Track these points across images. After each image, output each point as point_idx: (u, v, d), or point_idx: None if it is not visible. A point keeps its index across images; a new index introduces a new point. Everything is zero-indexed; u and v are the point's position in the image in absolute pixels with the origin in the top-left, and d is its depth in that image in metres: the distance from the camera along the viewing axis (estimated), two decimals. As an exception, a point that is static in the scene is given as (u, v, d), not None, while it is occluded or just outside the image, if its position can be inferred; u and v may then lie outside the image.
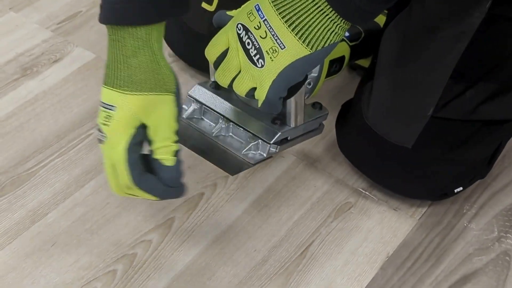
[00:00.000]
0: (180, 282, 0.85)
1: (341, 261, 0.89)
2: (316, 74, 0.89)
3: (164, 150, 0.77)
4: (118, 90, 0.74)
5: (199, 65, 1.10)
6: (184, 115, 0.90)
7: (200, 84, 0.91)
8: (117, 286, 0.84)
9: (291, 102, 0.85)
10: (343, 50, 0.94)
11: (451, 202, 0.96)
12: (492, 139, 0.91)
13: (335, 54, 0.93)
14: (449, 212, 0.95)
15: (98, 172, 0.96)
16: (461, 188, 0.93)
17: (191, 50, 1.10)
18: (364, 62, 1.05)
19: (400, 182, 0.94)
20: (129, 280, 0.84)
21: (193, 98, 0.90)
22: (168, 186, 0.78)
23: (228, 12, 0.82)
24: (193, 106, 0.90)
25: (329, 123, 1.02)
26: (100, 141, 0.76)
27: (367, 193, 0.97)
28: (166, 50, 1.15)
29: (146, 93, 0.74)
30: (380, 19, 0.99)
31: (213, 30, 0.82)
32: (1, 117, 1.03)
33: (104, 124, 0.75)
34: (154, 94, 0.75)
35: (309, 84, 0.89)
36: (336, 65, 0.94)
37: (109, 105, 0.74)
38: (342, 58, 0.95)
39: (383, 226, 0.93)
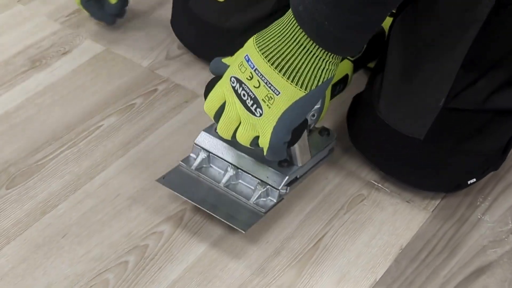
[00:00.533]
0: (192, 273, 0.84)
1: (354, 253, 0.88)
2: (319, 106, 0.87)
3: None
4: None
5: (208, 56, 1.09)
6: (193, 166, 0.90)
7: (205, 130, 0.90)
8: (129, 277, 0.83)
9: (295, 145, 0.85)
10: (345, 68, 0.92)
11: (464, 194, 0.95)
12: (505, 129, 0.90)
13: (337, 76, 0.91)
14: (462, 205, 0.94)
15: (108, 164, 0.95)
16: (474, 180, 0.92)
17: (201, 42, 1.09)
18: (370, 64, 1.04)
19: (413, 174, 0.93)
20: (140, 272, 0.84)
21: (200, 146, 0.90)
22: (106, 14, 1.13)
23: (223, 60, 0.84)
24: (201, 155, 0.89)
25: (341, 115, 1.02)
26: None
27: (379, 185, 0.96)
28: (176, 42, 1.15)
29: None
30: (387, 20, 0.98)
31: (213, 78, 0.84)
32: (11, 108, 1.02)
33: None
34: None
35: (313, 115, 0.88)
36: (340, 86, 0.92)
37: None
38: (345, 78, 0.93)
39: (396, 218, 0.92)
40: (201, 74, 1.10)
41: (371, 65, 1.00)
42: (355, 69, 0.95)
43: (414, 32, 0.87)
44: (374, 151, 0.95)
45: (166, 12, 1.16)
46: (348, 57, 0.93)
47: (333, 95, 0.91)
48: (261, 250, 0.87)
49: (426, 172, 0.92)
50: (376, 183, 0.96)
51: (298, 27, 0.76)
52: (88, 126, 1.01)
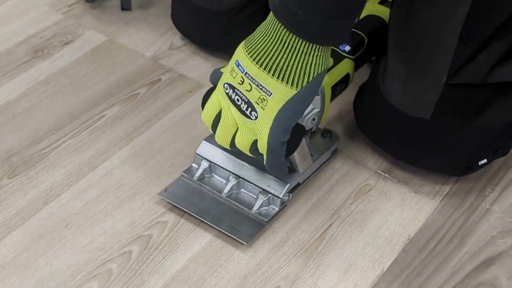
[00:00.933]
0: (197, 263, 0.83)
1: (361, 243, 0.86)
2: (318, 109, 0.86)
3: None
4: None
5: (210, 45, 1.09)
6: (195, 177, 0.89)
7: (206, 139, 0.89)
8: (133, 267, 0.82)
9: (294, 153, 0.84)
10: (345, 68, 0.91)
11: (473, 183, 0.94)
12: (510, 103, 0.88)
13: (336, 77, 0.89)
14: (471, 194, 0.93)
15: (111, 154, 0.94)
16: (485, 161, 0.90)
17: (200, 30, 1.08)
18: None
19: (422, 157, 0.91)
20: (144, 261, 0.82)
21: (201, 156, 0.89)
22: None
23: (222, 69, 0.84)
24: (203, 165, 0.89)
25: (347, 104, 1.00)
26: None
27: (386, 175, 0.94)
28: (177, 35, 1.13)
29: None
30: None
31: (210, 88, 0.84)
32: (13, 98, 1.01)
33: None
34: None
35: (314, 119, 0.86)
36: (341, 85, 0.91)
37: None
38: (346, 77, 0.91)
39: (403, 208, 0.91)
40: (205, 64, 1.09)
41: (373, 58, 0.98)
42: (357, 67, 0.93)
43: (410, 10, 0.86)
44: (381, 135, 0.93)
45: (169, 2, 1.15)
46: (349, 55, 0.91)
47: (334, 96, 0.90)
48: (266, 240, 0.86)
49: (435, 154, 0.90)
50: (383, 173, 0.95)
51: (279, 24, 0.75)
52: (91, 116, 0.99)
